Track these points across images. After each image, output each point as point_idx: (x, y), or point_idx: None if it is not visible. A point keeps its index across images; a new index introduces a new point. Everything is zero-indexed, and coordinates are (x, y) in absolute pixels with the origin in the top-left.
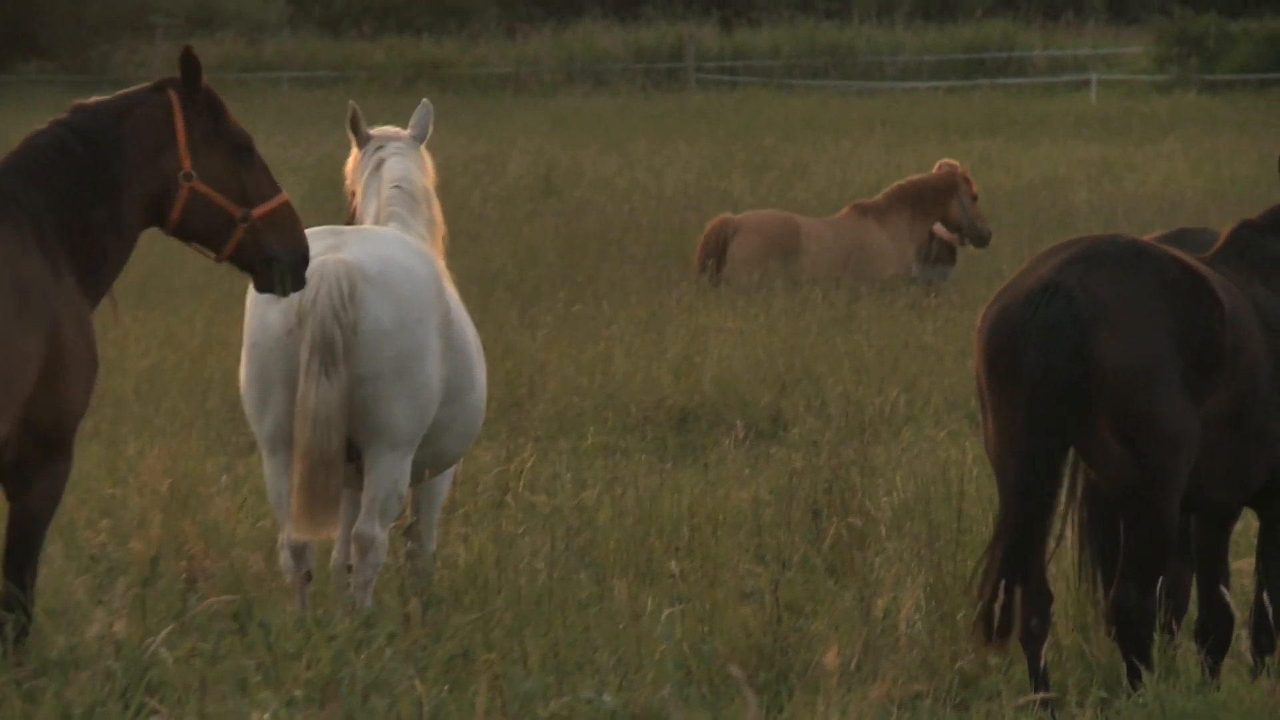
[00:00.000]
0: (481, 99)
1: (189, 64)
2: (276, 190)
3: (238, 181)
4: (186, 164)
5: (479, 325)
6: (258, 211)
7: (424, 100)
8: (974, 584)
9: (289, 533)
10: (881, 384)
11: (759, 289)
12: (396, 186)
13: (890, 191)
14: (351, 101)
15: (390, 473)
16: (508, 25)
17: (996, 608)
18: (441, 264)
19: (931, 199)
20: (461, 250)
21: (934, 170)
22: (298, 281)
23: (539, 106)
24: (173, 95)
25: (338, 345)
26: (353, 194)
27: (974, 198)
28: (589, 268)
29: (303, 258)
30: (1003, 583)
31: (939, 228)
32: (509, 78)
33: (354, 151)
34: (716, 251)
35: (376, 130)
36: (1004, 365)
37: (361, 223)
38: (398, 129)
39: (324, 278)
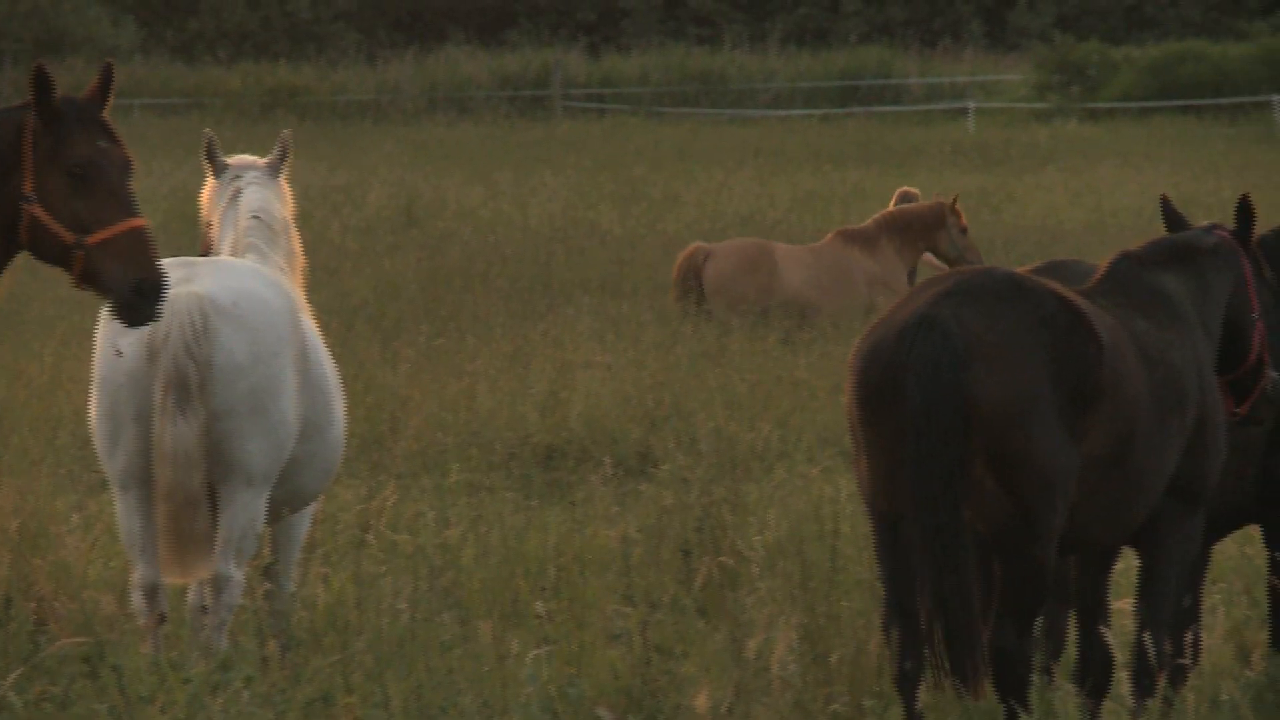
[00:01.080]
0: (341, 127)
1: (40, 82)
2: (125, 215)
3: (71, 207)
4: (28, 186)
5: (339, 360)
6: (93, 238)
7: (285, 130)
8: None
9: (142, 573)
10: (753, 420)
11: (629, 322)
12: (254, 217)
13: (878, 219)
14: (207, 130)
15: (245, 510)
16: (368, 51)
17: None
18: (300, 296)
19: (919, 229)
20: (321, 283)
21: (894, 198)
22: (144, 312)
23: (401, 135)
24: (30, 116)
25: (192, 381)
26: (209, 225)
27: (963, 230)
28: (452, 301)
29: (148, 288)
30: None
31: (929, 257)
32: (369, 105)
33: (210, 181)
34: (693, 281)
35: (234, 159)
36: (877, 401)
37: (218, 254)
38: (255, 158)
39: (175, 312)
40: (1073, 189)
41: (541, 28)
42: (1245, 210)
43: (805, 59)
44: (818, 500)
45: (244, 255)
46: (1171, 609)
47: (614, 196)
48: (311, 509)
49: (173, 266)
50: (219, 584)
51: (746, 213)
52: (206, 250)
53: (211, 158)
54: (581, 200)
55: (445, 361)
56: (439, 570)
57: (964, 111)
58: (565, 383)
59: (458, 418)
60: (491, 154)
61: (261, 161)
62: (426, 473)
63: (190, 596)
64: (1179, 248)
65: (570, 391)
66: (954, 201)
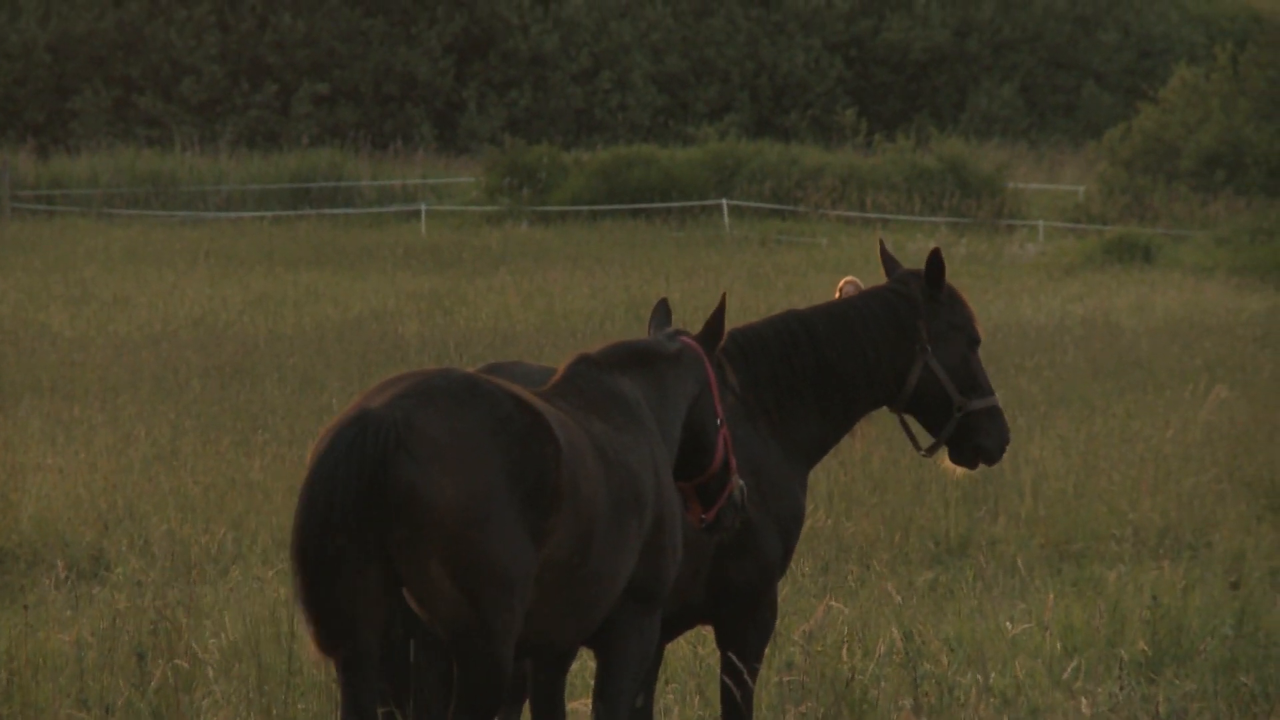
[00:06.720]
0: None
1: None
2: None
3: None
4: None
5: None
6: None
7: None
8: None
9: None
10: (208, 522)
11: (80, 425)
12: None
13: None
14: None
15: None
16: None
17: None
18: None
19: None
20: None
21: (838, 289)
22: None
23: None
24: None
25: None
26: None
27: None
28: None
29: None
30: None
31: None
32: None
33: None
34: None
35: None
36: None
37: None
38: None
39: None
40: (524, 291)
41: None
42: (712, 318)
43: (257, 161)
44: (273, 602)
45: None
46: (628, 709)
47: (64, 298)
48: None
49: None
50: None
51: (199, 314)
52: None
53: None
54: (31, 301)
55: None
56: None
57: (416, 214)
58: (15, 485)
59: None
60: None
61: None
62: None
63: None
64: (638, 352)
65: (21, 494)
66: None
